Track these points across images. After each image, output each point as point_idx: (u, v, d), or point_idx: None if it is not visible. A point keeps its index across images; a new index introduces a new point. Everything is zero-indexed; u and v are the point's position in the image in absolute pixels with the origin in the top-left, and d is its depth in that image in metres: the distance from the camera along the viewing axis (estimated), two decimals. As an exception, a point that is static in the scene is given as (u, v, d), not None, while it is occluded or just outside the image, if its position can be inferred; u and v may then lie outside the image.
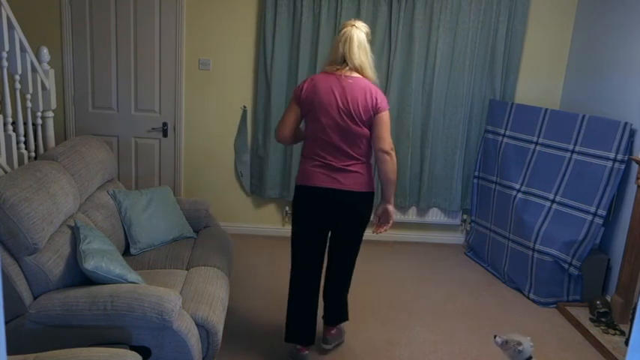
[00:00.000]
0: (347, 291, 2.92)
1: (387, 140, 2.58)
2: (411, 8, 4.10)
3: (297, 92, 2.63)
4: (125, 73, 4.19)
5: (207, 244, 3.16)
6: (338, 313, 2.92)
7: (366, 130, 2.59)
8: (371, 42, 2.70)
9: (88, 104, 4.23)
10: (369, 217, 2.74)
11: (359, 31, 2.59)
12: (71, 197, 2.63)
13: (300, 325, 2.77)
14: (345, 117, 2.55)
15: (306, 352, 2.78)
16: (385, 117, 2.59)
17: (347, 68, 2.57)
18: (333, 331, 2.92)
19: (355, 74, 2.58)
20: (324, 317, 2.93)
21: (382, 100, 2.59)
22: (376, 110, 2.56)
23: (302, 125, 2.72)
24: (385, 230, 2.79)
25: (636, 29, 3.55)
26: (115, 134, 4.29)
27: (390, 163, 2.59)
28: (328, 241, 2.79)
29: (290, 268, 2.78)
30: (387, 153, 2.58)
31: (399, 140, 4.30)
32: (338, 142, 2.58)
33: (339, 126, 2.56)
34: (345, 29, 2.60)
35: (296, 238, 2.75)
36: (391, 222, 2.77)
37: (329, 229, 2.75)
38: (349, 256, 2.83)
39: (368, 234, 2.85)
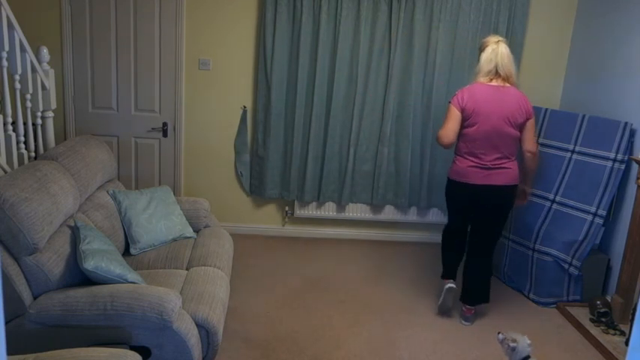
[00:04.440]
0: (489, 273, 3.32)
1: (533, 142, 3.14)
2: (411, 8, 4.10)
3: (456, 101, 3.09)
4: (125, 73, 4.19)
5: (207, 244, 3.16)
6: (476, 294, 3.29)
7: (517, 132, 3.08)
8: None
9: (88, 104, 4.23)
10: (513, 204, 3.26)
11: (504, 45, 3.09)
12: (71, 197, 2.63)
13: (447, 266, 3.39)
14: (502, 122, 3.02)
15: (453, 284, 3.32)
16: (533, 122, 3.13)
17: (500, 79, 3.06)
18: (472, 311, 3.29)
19: (506, 84, 3.07)
20: (461, 297, 3.31)
21: (531, 107, 3.11)
22: (528, 116, 3.08)
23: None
24: (522, 204, 3.43)
25: (636, 29, 3.55)
26: (115, 134, 4.29)
27: (534, 160, 3.20)
28: (474, 223, 3.28)
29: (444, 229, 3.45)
30: (533, 153, 3.16)
31: (398, 140, 4.31)
32: (494, 144, 3.05)
33: (498, 130, 3.03)
34: (491, 46, 3.08)
35: (449, 215, 3.40)
36: (527, 199, 3.43)
37: (475, 214, 3.22)
38: (491, 241, 3.27)
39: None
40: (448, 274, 3.40)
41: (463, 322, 3.30)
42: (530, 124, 3.10)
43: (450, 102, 3.14)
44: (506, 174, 3.09)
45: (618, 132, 3.44)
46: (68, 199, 2.59)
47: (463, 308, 3.31)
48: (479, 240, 3.27)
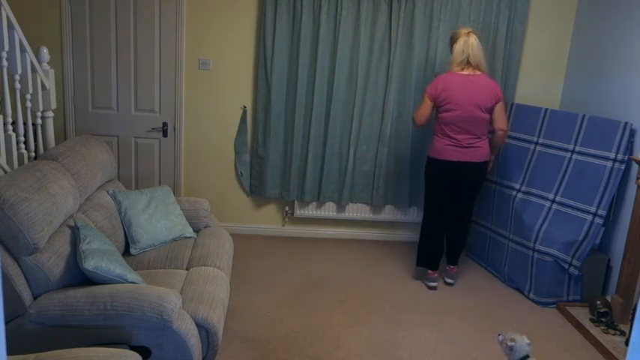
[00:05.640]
0: (465, 235, 3.82)
1: (504, 120, 3.54)
2: (411, 8, 4.10)
3: (431, 90, 3.50)
4: (125, 73, 4.19)
5: (207, 244, 3.16)
6: (457, 254, 3.81)
7: (487, 116, 3.48)
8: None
9: (88, 104, 4.23)
10: (484, 178, 3.67)
11: (474, 37, 3.44)
12: (71, 197, 2.63)
13: (427, 257, 3.75)
14: (474, 108, 3.42)
15: (435, 275, 3.76)
16: (502, 104, 3.52)
17: (470, 68, 3.45)
18: (455, 270, 3.82)
19: (477, 72, 3.45)
20: (447, 259, 3.82)
21: (500, 91, 3.51)
22: (497, 100, 3.48)
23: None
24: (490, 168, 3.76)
25: (636, 29, 3.55)
26: (114, 134, 4.29)
27: (504, 137, 3.63)
28: (451, 197, 3.65)
29: (423, 218, 3.79)
30: (504, 130, 3.55)
31: (398, 140, 4.31)
32: (467, 126, 3.44)
33: (469, 114, 3.42)
34: (462, 38, 3.43)
35: (428, 197, 3.70)
36: (489, 168, 3.75)
37: (452, 190, 3.62)
38: (468, 208, 3.74)
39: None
40: (431, 265, 3.76)
41: (447, 279, 3.80)
42: (500, 106, 3.50)
43: (425, 90, 3.55)
44: (478, 152, 3.50)
45: (618, 132, 3.44)
46: (68, 199, 2.59)
47: (447, 268, 3.80)
48: (457, 208, 3.70)
